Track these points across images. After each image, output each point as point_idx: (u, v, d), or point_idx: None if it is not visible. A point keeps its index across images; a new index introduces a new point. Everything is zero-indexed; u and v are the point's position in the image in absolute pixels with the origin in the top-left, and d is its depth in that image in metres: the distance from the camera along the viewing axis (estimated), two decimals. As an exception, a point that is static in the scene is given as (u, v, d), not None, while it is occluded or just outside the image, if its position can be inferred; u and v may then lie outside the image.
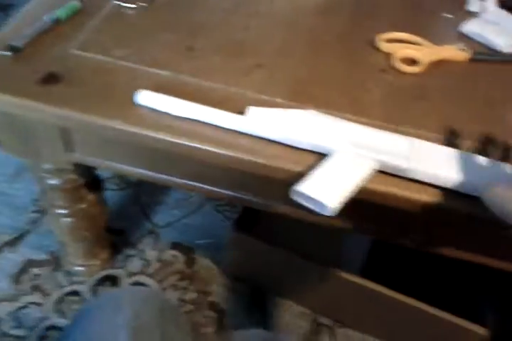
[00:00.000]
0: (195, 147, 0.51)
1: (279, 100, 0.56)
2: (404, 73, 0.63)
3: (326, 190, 0.45)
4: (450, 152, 0.51)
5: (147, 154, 0.60)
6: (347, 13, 0.72)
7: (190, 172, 0.60)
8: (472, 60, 0.66)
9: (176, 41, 0.63)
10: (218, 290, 0.95)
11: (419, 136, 0.54)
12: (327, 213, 0.45)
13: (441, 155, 0.51)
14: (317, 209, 0.45)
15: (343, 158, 0.48)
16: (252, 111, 0.52)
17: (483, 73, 0.64)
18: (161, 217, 1.07)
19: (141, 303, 0.48)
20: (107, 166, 0.64)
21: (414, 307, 0.80)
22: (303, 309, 0.94)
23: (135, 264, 0.97)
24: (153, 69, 0.58)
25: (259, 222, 0.96)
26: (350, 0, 0.75)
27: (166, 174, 0.61)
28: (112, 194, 1.10)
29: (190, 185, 0.61)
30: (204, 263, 0.99)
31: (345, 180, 0.46)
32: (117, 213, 1.07)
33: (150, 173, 0.62)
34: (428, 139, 0.53)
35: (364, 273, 0.86)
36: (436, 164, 0.50)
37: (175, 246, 1.02)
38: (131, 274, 0.95)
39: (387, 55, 0.65)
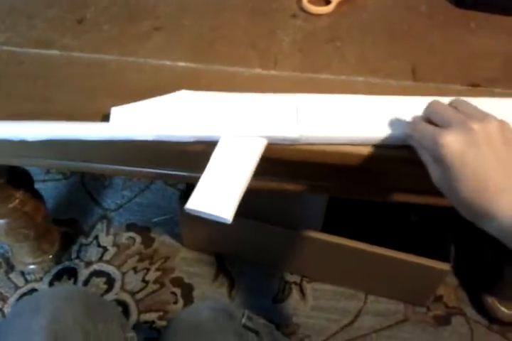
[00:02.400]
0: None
1: (181, 64, 0.52)
2: (315, 15, 0.58)
3: (216, 200, 0.41)
4: (344, 99, 0.47)
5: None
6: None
7: (107, 157, 0.56)
8: (386, -9, 0.62)
9: (63, 15, 0.57)
10: (181, 264, 0.93)
11: (337, 82, 0.50)
12: (226, 221, 0.41)
13: (336, 107, 0.46)
14: (216, 219, 0.41)
15: (226, 149, 0.43)
16: (115, 112, 0.45)
17: (398, 3, 0.60)
18: (111, 200, 1.03)
19: (61, 304, 0.45)
20: (19, 163, 0.59)
21: (377, 253, 0.79)
22: (268, 270, 0.92)
23: (91, 253, 0.94)
24: (39, 50, 0.53)
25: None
26: None
27: (82, 161, 0.57)
28: (56, 184, 1.06)
29: (113, 169, 0.57)
30: (163, 240, 0.96)
31: (235, 177, 0.42)
32: (66, 203, 1.03)
33: (64, 162, 0.57)
34: (350, 83, 0.50)
35: (325, 229, 0.84)
36: (331, 123, 0.45)
37: (130, 227, 0.98)
38: (89, 263, 0.92)
39: (298, -2, 0.60)
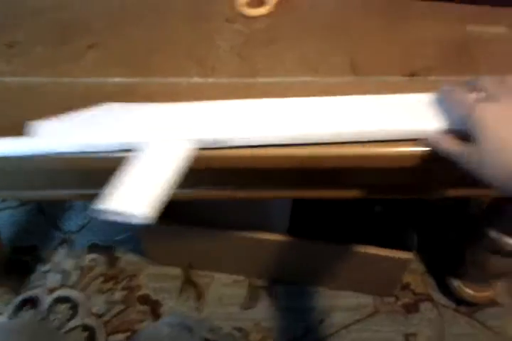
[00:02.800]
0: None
1: (117, 79, 0.50)
2: (252, 18, 0.58)
3: (133, 199, 0.38)
4: (269, 103, 0.46)
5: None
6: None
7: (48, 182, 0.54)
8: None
9: (-8, 39, 0.55)
10: (147, 281, 0.91)
11: (276, 85, 0.50)
12: (144, 222, 0.38)
13: (260, 111, 0.45)
14: (133, 221, 0.38)
15: (149, 152, 0.42)
16: (39, 127, 0.43)
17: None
18: (72, 222, 1.01)
19: (7, 338, 0.43)
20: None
21: (341, 249, 0.80)
22: (236, 277, 0.92)
23: (53, 279, 0.91)
24: (-31, 77, 0.51)
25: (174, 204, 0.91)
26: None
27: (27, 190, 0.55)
28: (13, 211, 1.03)
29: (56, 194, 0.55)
30: (127, 258, 0.95)
31: (157, 178, 0.40)
32: (24, 230, 1.00)
33: (11, 192, 0.55)
34: (290, 85, 0.50)
35: (292, 228, 0.84)
36: (256, 124, 0.44)
37: (92, 249, 0.96)
38: (51, 290, 0.90)
39: (233, 1, 0.60)
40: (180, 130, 0.43)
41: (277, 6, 0.59)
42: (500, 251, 0.72)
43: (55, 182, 0.53)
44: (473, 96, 0.41)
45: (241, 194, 0.55)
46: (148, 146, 0.42)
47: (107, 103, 0.46)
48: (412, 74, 0.52)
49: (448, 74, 0.52)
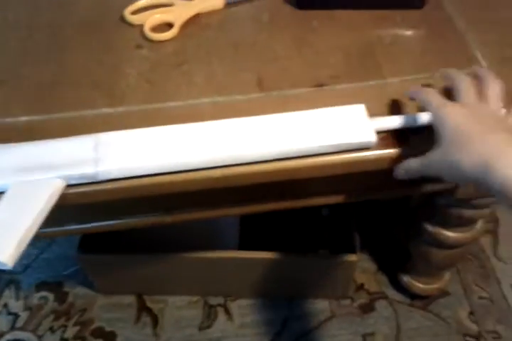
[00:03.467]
0: None
1: (23, 118, 0.49)
2: (160, 42, 0.58)
3: None
4: (147, 132, 0.45)
5: None
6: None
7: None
8: (229, 5, 0.63)
9: None
10: (100, 313, 0.89)
11: (185, 108, 0.50)
12: (6, 267, 0.38)
13: (137, 141, 0.45)
14: None
15: (15, 191, 0.41)
16: None
17: (241, 15, 0.62)
18: (17, 262, 0.97)
19: None
20: None
21: (289, 259, 0.80)
22: (191, 298, 0.91)
23: (1, 322, 0.88)
24: None
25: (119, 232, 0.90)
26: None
27: None
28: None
29: None
30: (77, 292, 0.92)
31: (20, 219, 0.39)
32: (-35, 275, 0.96)
33: None
34: (197, 106, 0.50)
35: (242, 245, 0.85)
36: (132, 155, 0.43)
37: (40, 287, 0.93)
38: (1, 335, 0.87)
39: (141, 28, 0.60)
40: (47, 168, 0.42)
41: (184, 29, 0.60)
42: (439, 243, 0.74)
43: None
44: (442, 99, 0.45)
45: (168, 219, 0.55)
46: (13, 188, 0.41)
47: None
48: (320, 85, 0.53)
49: (354, 81, 0.53)
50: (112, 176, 0.43)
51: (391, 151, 0.47)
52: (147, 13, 0.62)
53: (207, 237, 0.90)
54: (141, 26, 0.60)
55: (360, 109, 0.47)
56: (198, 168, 0.44)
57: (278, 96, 0.51)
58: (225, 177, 0.45)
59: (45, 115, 0.50)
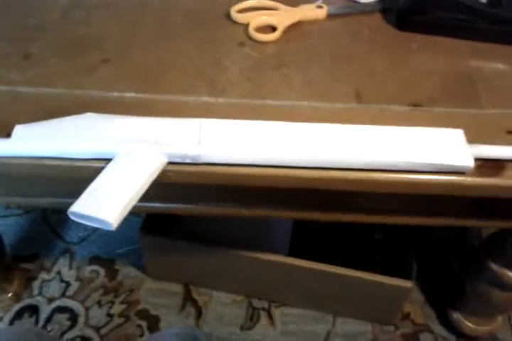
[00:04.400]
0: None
1: (129, 94, 0.52)
2: (262, 43, 0.60)
3: (102, 204, 0.40)
4: (250, 124, 0.47)
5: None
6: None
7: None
8: (331, 16, 0.64)
9: (9, 51, 0.57)
10: (146, 296, 0.91)
11: (284, 107, 0.51)
12: (110, 228, 0.40)
13: (241, 131, 0.46)
14: (102, 226, 0.41)
15: (122, 160, 0.43)
16: (19, 130, 0.45)
17: (342, 28, 0.63)
18: (74, 233, 1.01)
19: None
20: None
21: (341, 274, 0.80)
22: (236, 297, 0.92)
23: (53, 288, 0.92)
24: (-15, 86, 0.52)
25: (177, 220, 0.92)
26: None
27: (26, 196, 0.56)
28: (17, 219, 1.04)
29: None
30: (128, 271, 0.95)
31: (126, 186, 0.41)
32: (27, 238, 1.01)
33: (14, 198, 0.56)
34: (296, 108, 0.51)
35: (292, 252, 0.85)
36: (236, 143, 0.45)
37: (93, 260, 0.97)
38: (51, 300, 0.90)
39: (245, 27, 0.62)
40: (154, 143, 0.44)
41: (286, 33, 0.61)
42: (501, 284, 0.71)
43: (33, 189, 0.55)
44: None
45: (245, 212, 0.56)
46: (120, 156, 0.44)
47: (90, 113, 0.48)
48: (417, 105, 0.53)
49: (451, 106, 0.53)
50: (213, 160, 0.44)
51: (485, 180, 0.46)
52: (253, 13, 0.63)
53: (259, 239, 0.90)
54: (245, 25, 0.62)
55: (458, 134, 0.47)
56: (291, 165, 0.45)
57: (375, 109, 0.52)
58: (317, 179, 0.45)
59: (150, 94, 0.52)
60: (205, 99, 0.52)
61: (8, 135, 0.46)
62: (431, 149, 0.45)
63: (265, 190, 0.49)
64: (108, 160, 0.44)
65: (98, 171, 0.43)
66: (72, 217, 0.41)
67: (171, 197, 0.56)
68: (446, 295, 0.90)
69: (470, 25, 0.60)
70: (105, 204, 0.40)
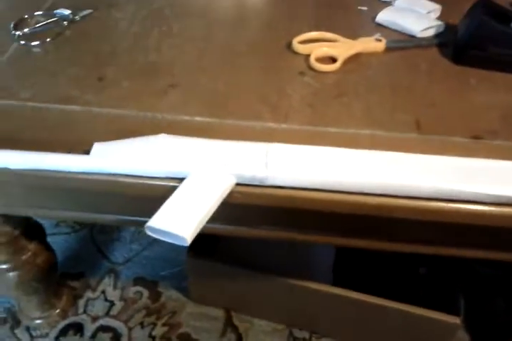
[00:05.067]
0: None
1: (198, 118, 0.54)
2: (322, 73, 0.62)
3: (178, 220, 0.42)
4: (317, 150, 0.49)
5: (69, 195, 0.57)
6: (260, 19, 0.71)
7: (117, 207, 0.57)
8: (389, 49, 0.66)
9: (85, 73, 0.60)
10: (188, 319, 0.92)
11: (345, 135, 0.53)
12: (185, 243, 0.42)
13: (307, 156, 0.48)
14: (175, 242, 0.43)
15: (195, 180, 0.45)
16: (97, 147, 0.48)
17: (400, 60, 0.64)
18: (119, 253, 1.03)
19: None
20: (36, 214, 0.60)
21: (387, 307, 0.79)
22: (277, 325, 0.91)
23: (98, 307, 0.93)
24: (62, 106, 0.55)
25: (220, 243, 0.93)
26: (262, 7, 0.74)
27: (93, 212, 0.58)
28: (66, 237, 1.07)
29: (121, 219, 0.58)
30: (170, 294, 0.96)
31: (200, 204, 0.44)
32: (74, 256, 1.03)
33: (78, 214, 0.58)
34: (357, 136, 0.52)
35: (334, 281, 0.84)
36: (302, 167, 0.47)
37: (137, 281, 0.98)
38: (95, 318, 0.91)
39: (306, 57, 0.64)
40: (224, 164, 0.47)
41: (345, 64, 0.63)
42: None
43: (102, 206, 0.57)
44: None
45: (298, 236, 0.56)
46: (193, 176, 0.46)
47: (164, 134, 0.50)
48: (477, 137, 0.53)
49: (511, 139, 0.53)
50: (278, 182, 0.46)
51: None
52: (313, 44, 0.66)
53: (301, 267, 0.90)
54: (305, 55, 0.64)
55: None
56: (353, 191, 0.46)
57: (436, 140, 0.52)
58: (379, 206, 0.46)
59: (217, 119, 0.54)
60: (269, 124, 0.54)
61: (86, 152, 0.49)
62: (494, 180, 0.46)
63: (322, 215, 0.50)
64: (180, 180, 0.46)
65: (170, 190, 0.45)
66: (148, 232, 0.43)
67: (229, 219, 0.57)
68: (493, 335, 0.88)
69: (527, 62, 0.61)
70: (181, 220, 0.42)
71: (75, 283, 0.97)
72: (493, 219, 0.47)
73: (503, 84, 0.61)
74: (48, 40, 0.66)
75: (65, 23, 0.68)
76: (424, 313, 0.78)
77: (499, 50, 0.62)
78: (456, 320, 0.76)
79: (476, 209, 0.46)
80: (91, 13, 0.71)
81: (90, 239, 1.06)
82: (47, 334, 0.89)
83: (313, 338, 0.90)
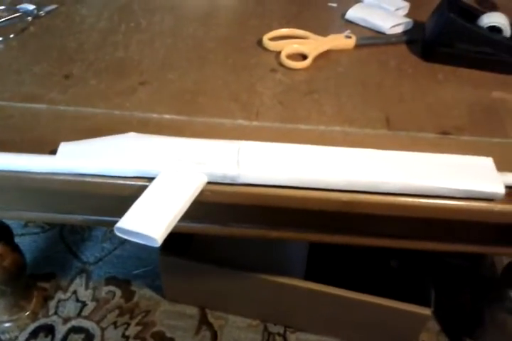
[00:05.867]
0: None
1: (167, 116, 0.54)
2: (293, 70, 0.62)
3: (148, 221, 0.42)
4: (287, 148, 0.49)
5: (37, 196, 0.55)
6: (230, 16, 0.71)
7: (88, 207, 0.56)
8: (359, 46, 0.66)
9: (51, 71, 0.59)
10: (162, 318, 0.91)
11: (316, 132, 0.53)
12: (155, 244, 0.41)
13: (278, 154, 0.48)
14: (146, 242, 0.42)
15: (165, 179, 0.45)
16: (64, 147, 0.47)
17: (370, 57, 0.65)
18: (90, 253, 1.02)
19: None
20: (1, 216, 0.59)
21: (360, 300, 0.80)
22: (251, 321, 0.91)
23: (69, 308, 0.92)
24: (27, 105, 0.54)
25: (193, 241, 0.93)
26: (232, 3, 0.74)
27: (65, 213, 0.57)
28: (35, 238, 1.04)
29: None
30: (144, 293, 0.95)
31: (170, 203, 0.43)
32: (44, 257, 1.01)
33: (46, 215, 0.57)
34: (328, 133, 0.53)
35: (307, 277, 0.85)
36: (273, 164, 0.46)
37: (109, 281, 0.97)
38: (67, 319, 0.90)
39: (277, 54, 0.64)
40: (195, 163, 0.46)
41: (316, 61, 0.63)
42: (521, 313, 0.71)
43: (70, 206, 0.56)
44: None
45: (273, 234, 0.56)
46: (163, 175, 0.45)
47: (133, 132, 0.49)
48: (445, 133, 0.54)
49: (478, 134, 0.54)
50: (250, 180, 0.46)
51: (514, 207, 0.47)
52: (284, 41, 0.66)
53: (274, 262, 0.90)
54: (276, 52, 0.64)
55: (488, 162, 0.48)
56: (325, 187, 0.46)
57: (405, 136, 0.53)
58: (350, 202, 0.47)
59: (188, 116, 0.54)
60: (240, 122, 0.54)
61: (52, 152, 0.47)
62: (462, 175, 0.47)
63: (295, 212, 0.50)
64: (150, 179, 0.45)
65: (140, 189, 0.45)
66: (118, 233, 0.42)
67: (201, 217, 0.57)
68: (462, 324, 0.90)
69: (494, 58, 0.63)
70: (151, 221, 0.41)
71: (45, 284, 0.95)
72: (461, 214, 0.48)
73: (469, 80, 0.62)
74: (12, 36, 0.64)
75: (29, 18, 0.67)
76: (396, 305, 0.79)
77: (466, 46, 0.63)
78: (427, 312, 0.78)
79: (445, 204, 0.47)
80: (56, 8, 0.69)
81: (60, 239, 1.04)
82: (16, 338, 0.87)
83: (287, 332, 0.90)
